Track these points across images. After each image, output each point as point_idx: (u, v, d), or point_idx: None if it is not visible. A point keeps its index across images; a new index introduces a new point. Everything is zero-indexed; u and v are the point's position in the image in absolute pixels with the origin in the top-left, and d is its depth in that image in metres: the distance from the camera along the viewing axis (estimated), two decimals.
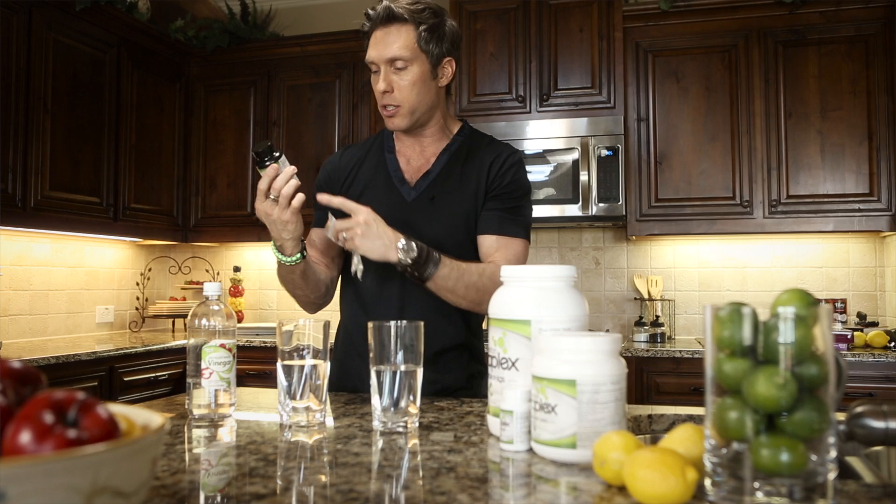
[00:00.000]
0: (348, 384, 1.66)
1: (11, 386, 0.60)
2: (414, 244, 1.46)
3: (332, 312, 1.76)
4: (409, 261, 1.46)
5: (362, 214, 1.45)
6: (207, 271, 4.33)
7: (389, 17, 1.57)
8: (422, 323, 1.20)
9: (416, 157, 1.69)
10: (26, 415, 0.56)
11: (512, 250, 1.61)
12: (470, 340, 1.65)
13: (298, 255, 1.55)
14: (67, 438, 0.55)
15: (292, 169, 1.46)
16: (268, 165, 1.45)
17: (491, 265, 1.56)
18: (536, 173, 3.38)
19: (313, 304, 1.73)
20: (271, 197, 1.46)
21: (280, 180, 1.44)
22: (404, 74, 1.58)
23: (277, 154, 1.46)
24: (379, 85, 1.59)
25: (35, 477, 0.50)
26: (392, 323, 1.17)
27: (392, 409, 1.16)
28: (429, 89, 1.62)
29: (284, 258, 1.56)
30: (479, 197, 1.63)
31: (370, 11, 1.59)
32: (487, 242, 1.62)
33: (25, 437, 0.55)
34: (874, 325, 3.25)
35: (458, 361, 1.64)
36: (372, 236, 1.44)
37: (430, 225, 1.61)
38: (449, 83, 1.67)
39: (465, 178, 1.65)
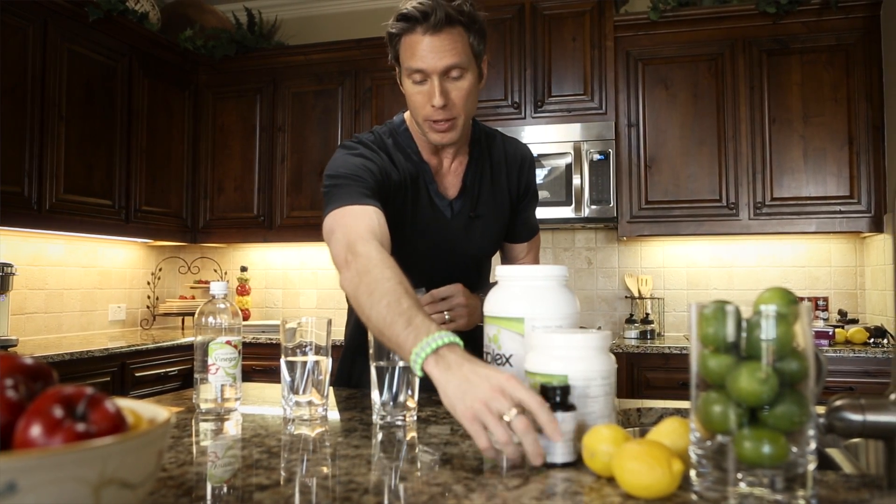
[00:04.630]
0: (365, 380, 1.61)
1: (23, 381, 0.60)
2: None
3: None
4: None
5: (459, 296, 1.39)
6: (215, 271, 4.33)
7: (445, 20, 1.30)
8: None
9: (438, 166, 1.51)
10: (37, 409, 0.56)
11: (536, 245, 1.68)
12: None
13: None
14: (76, 432, 0.55)
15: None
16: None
17: None
18: None
19: None
20: None
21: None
22: (460, 83, 1.35)
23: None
24: (436, 100, 1.33)
25: (45, 469, 0.50)
26: None
27: (391, 403, 1.16)
28: (476, 97, 1.42)
29: None
30: (512, 207, 1.61)
31: (413, 10, 1.30)
32: (519, 248, 1.66)
33: (36, 430, 0.55)
34: (854, 322, 3.25)
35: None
36: (474, 313, 1.41)
37: (471, 243, 1.55)
38: None
39: (496, 192, 1.56)
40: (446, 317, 1.38)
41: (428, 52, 1.31)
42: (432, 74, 1.33)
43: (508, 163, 1.58)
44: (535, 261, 1.66)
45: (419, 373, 1.00)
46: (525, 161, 1.61)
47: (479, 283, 1.59)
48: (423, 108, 1.37)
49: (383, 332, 1.07)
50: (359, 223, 1.25)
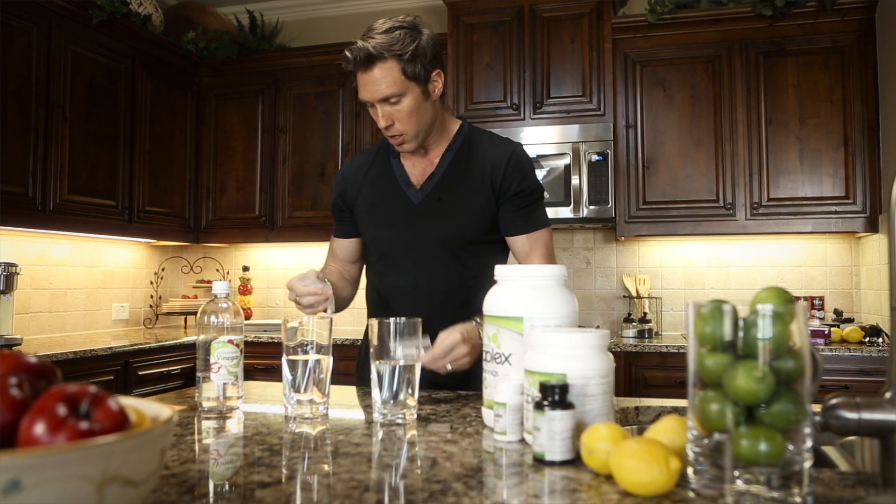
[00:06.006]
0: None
1: (27, 380, 0.60)
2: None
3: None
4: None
5: (461, 346, 1.37)
6: (218, 270, 4.33)
7: (369, 59, 1.50)
8: (419, 319, 1.20)
9: (419, 161, 1.69)
10: (41, 407, 0.56)
11: (542, 242, 1.64)
12: None
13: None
14: (80, 430, 0.55)
15: (324, 294, 1.48)
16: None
17: None
18: None
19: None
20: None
21: (308, 299, 1.48)
22: (399, 107, 1.54)
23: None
24: (379, 122, 1.57)
25: (49, 466, 0.50)
26: (391, 319, 1.17)
27: (391, 401, 1.16)
28: (425, 110, 1.59)
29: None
30: (488, 196, 1.61)
31: (348, 55, 1.54)
32: (520, 243, 1.64)
33: (40, 428, 0.55)
34: (850, 321, 3.25)
35: None
36: (475, 353, 1.40)
37: (439, 226, 1.61)
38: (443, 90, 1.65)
39: (469, 177, 1.63)
40: (449, 367, 1.37)
41: (363, 86, 1.55)
42: (374, 103, 1.55)
43: (490, 155, 1.64)
44: (544, 257, 1.63)
45: None
46: (511, 157, 1.63)
47: (461, 274, 1.61)
48: (379, 126, 1.59)
49: None
50: (331, 249, 1.82)
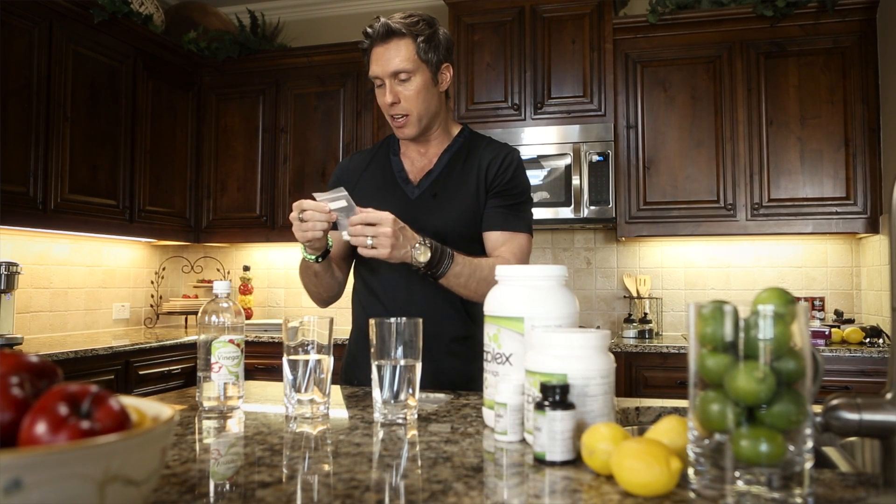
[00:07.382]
0: (361, 374, 1.67)
1: (28, 379, 0.60)
2: (427, 248, 1.46)
3: (337, 310, 1.76)
4: (423, 262, 1.47)
5: (388, 225, 1.42)
6: (218, 270, 4.33)
7: (388, 33, 1.58)
8: (420, 320, 1.20)
9: (419, 159, 1.72)
10: (42, 407, 0.56)
11: (516, 244, 1.63)
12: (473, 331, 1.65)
13: (318, 255, 1.60)
14: (81, 429, 0.55)
15: (332, 215, 1.47)
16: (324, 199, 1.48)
17: (499, 259, 1.58)
18: (531, 177, 3.34)
19: (324, 300, 1.76)
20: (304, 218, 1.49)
21: (316, 217, 1.49)
22: (408, 85, 1.59)
23: (340, 195, 1.46)
24: (386, 98, 1.60)
25: (50, 466, 0.50)
26: (392, 319, 1.17)
27: (392, 401, 1.16)
28: (432, 96, 1.64)
29: (307, 255, 1.61)
30: (480, 193, 1.65)
31: (368, 29, 1.61)
32: (493, 238, 1.64)
33: (41, 427, 0.54)
34: (850, 322, 3.25)
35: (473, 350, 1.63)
36: (398, 247, 1.43)
37: (433, 220, 1.63)
38: (447, 88, 1.69)
39: (465, 175, 1.67)
40: (369, 242, 1.42)
41: (377, 59, 1.60)
42: (384, 78, 1.60)
43: (487, 154, 1.68)
44: (514, 256, 1.62)
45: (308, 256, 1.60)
46: (507, 157, 1.67)
47: None
48: (383, 107, 1.64)
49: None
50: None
